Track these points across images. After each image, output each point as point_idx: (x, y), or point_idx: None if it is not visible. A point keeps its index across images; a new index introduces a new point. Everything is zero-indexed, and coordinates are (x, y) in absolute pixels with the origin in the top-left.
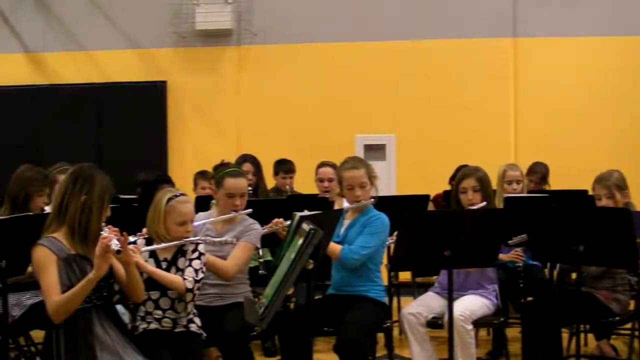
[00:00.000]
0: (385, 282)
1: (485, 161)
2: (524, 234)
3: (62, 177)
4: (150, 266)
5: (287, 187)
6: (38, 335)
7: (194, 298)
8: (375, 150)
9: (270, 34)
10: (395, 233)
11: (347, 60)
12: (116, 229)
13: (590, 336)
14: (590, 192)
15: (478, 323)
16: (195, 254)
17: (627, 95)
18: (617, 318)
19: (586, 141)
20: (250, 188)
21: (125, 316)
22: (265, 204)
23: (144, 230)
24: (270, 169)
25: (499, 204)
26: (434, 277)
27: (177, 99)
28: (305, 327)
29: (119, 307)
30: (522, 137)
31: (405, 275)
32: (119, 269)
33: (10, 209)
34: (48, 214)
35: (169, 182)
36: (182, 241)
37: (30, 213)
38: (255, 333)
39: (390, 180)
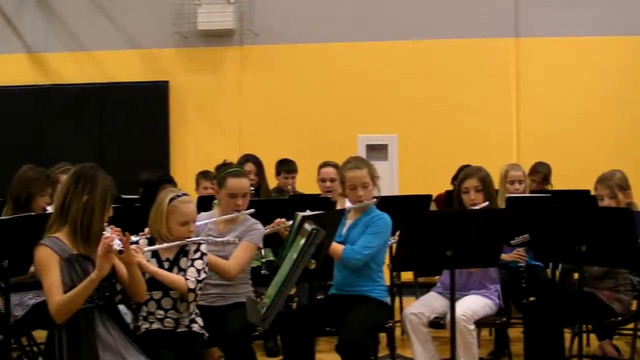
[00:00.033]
0: (387, 282)
1: (487, 161)
2: (526, 234)
3: (64, 177)
4: (153, 266)
5: (289, 187)
6: (40, 335)
7: (196, 298)
8: (378, 150)
9: (272, 34)
10: (398, 233)
11: (349, 60)
12: (118, 229)
13: (593, 336)
14: (593, 192)
15: (480, 323)
16: (198, 254)
17: (628, 95)
18: (620, 318)
19: (588, 141)
20: (252, 188)
21: (128, 316)
22: (268, 204)
23: (146, 230)
24: (272, 169)
25: (501, 204)
26: (436, 277)
27: (180, 99)
28: (308, 327)
29: (121, 307)
30: (524, 137)
31: (407, 275)
32: (121, 268)
33: (13, 209)
34: (50, 214)
35: (171, 182)
36: (184, 241)
37: (33, 213)
38: (257, 333)
39: (392, 180)
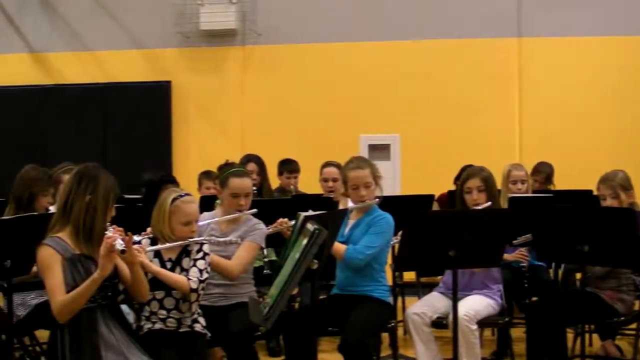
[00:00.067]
0: (389, 282)
1: (489, 161)
2: (528, 234)
3: (66, 177)
4: (155, 266)
5: (292, 187)
6: (43, 335)
7: (198, 298)
8: (380, 150)
9: (274, 34)
10: (400, 233)
11: (351, 60)
12: (121, 228)
13: (595, 336)
14: (595, 192)
15: (483, 323)
16: (200, 254)
17: (629, 95)
18: (622, 318)
19: (590, 141)
20: (254, 188)
21: (130, 316)
22: (270, 204)
23: (149, 229)
24: (274, 169)
25: (503, 203)
26: (439, 277)
27: (182, 99)
28: (310, 327)
29: (124, 307)
30: (527, 137)
31: (409, 275)
32: (124, 268)
33: (15, 208)
34: (52, 213)
35: (174, 182)
36: (186, 241)
37: (35, 213)
38: (259, 333)
39: (394, 180)
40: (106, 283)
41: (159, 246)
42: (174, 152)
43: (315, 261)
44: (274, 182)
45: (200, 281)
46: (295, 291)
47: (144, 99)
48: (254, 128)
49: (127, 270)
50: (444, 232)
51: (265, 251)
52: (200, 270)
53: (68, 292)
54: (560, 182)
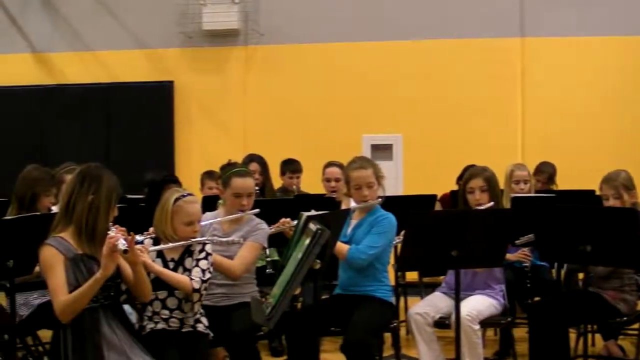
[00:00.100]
0: (392, 282)
1: (492, 161)
2: (531, 233)
3: (69, 177)
4: (158, 266)
5: (294, 187)
6: (45, 334)
7: (201, 298)
8: (382, 150)
9: (277, 34)
10: (402, 233)
11: (354, 61)
12: (123, 228)
13: (598, 336)
14: (598, 192)
15: (485, 323)
16: (203, 254)
17: (630, 95)
18: (625, 318)
19: (593, 141)
20: (257, 188)
21: (133, 316)
22: (272, 204)
23: (151, 229)
24: (277, 169)
25: (506, 203)
26: (441, 277)
27: (184, 99)
28: (312, 326)
29: (126, 307)
30: (529, 137)
31: (412, 275)
32: (126, 268)
33: (18, 208)
34: (55, 213)
35: (176, 182)
36: (189, 241)
37: (37, 213)
38: (262, 333)
39: (397, 180)
40: (109, 283)
41: (161, 246)
42: (177, 152)
43: (318, 261)
44: (277, 182)
45: (203, 281)
46: (297, 291)
47: (147, 99)
48: (256, 128)
49: (130, 270)
50: (446, 232)
51: (267, 251)
52: (203, 270)
53: (71, 292)
54: (563, 182)
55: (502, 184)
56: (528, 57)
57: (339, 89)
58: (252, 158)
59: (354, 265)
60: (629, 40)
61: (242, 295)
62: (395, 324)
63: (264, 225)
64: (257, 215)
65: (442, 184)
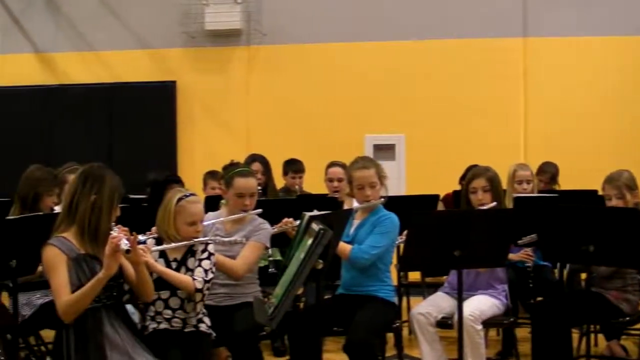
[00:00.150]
0: (394, 282)
1: (494, 161)
2: (533, 233)
3: (71, 177)
4: (160, 266)
5: (297, 186)
6: (48, 334)
7: (203, 298)
8: (385, 150)
9: (279, 34)
10: (405, 233)
11: (356, 61)
12: (126, 228)
13: (601, 336)
14: (600, 192)
15: (488, 323)
16: (205, 254)
17: (632, 95)
18: (628, 318)
19: (596, 141)
20: (259, 188)
21: (135, 316)
22: (275, 204)
23: (153, 229)
24: (279, 169)
25: (508, 203)
26: (444, 277)
27: (187, 99)
28: (315, 326)
29: (129, 307)
30: (532, 137)
31: (414, 275)
32: (129, 268)
33: (20, 208)
34: (58, 213)
35: (179, 182)
36: (191, 241)
37: (40, 213)
38: (264, 333)
39: (399, 180)
40: (111, 283)
41: (164, 246)
42: (179, 152)
43: (320, 261)
44: (279, 182)
45: (206, 281)
46: (300, 291)
47: (149, 99)
48: (259, 128)
49: (132, 270)
50: (449, 232)
51: (270, 251)
52: (206, 270)
53: (73, 292)
54: (565, 182)
55: (504, 184)
56: (530, 57)
57: (342, 89)
58: (254, 158)
59: (356, 265)
60: (631, 40)
61: (245, 295)
62: (397, 324)
63: (267, 225)
64: (259, 215)
65: (445, 184)
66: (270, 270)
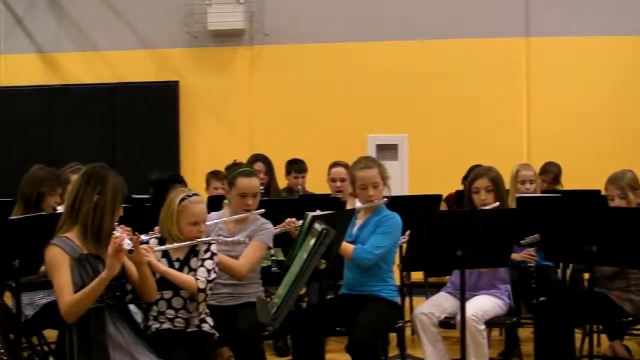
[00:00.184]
0: (397, 282)
1: (497, 161)
2: (536, 233)
3: (74, 177)
4: (163, 266)
5: (299, 186)
6: (51, 334)
7: (206, 298)
8: (387, 150)
9: (282, 34)
10: (408, 233)
11: (358, 60)
12: (129, 228)
13: (603, 337)
14: (603, 192)
15: (490, 323)
16: (208, 254)
17: (636, 95)
18: (630, 318)
19: (599, 141)
20: (262, 187)
21: (138, 316)
22: (278, 204)
23: (156, 229)
24: (282, 169)
25: (511, 203)
26: (447, 277)
27: (190, 99)
28: (318, 326)
29: (132, 307)
30: (535, 137)
31: (417, 275)
32: (131, 268)
33: (23, 208)
34: (60, 213)
35: (182, 182)
36: (194, 241)
37: (43, 213)
38: (267, 333)
39: (402, 180)
40: (114, 283)
41: (167, 246)
42: (182, 152)
43: (323, 261)
44: (282, 181)
45: (208, 281)
46: (303, 291)
47: (152, 99)
48: (261, 128)
49: (135, 270)
50: (451, 232)
51: (272, 251)
52: (208, 270)
53: (76, 292)
54: (568, 182)
55: (507, 184)
56: (533, 57)
57: (344, 89)
58: (257, 158)
59: (359, 265)
60: (638, 40)
61: (248, 295)
62: (400, 324)
63: (269, 225)
64: (262, 215)
65: (448, 184)
66: (273, 269)
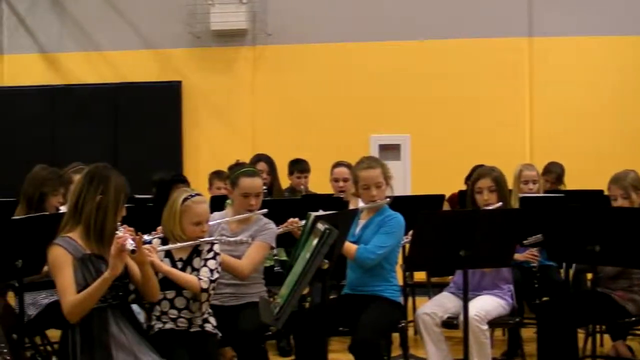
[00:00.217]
0: (400, 282)
1: (500, 161)
2: (539, 234)
3: (77, 177)
4: (166, 266)
5: (302, 186)
6: (54, 334)
7: (209, 298)
8: (390, 150)
9: (284, 34)
10: (411, 233)
11: (361, 60)
12: (131, 228)
13: (606, 337)
14: (606, 192)
15: (493, 323)
16: (211, 254)
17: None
18: (633, 318)
19: (602, 141)
20: (264, 187)
21: (141, 316)
22: (280, 204)
23: (159, 229)
24: (285, 169)
25: (514, 203)
26: (449, 277)
27: (192, 99)
28: (321, 326)
29: (135, 307)
30: (538, 137)
31: (420, 275)
32: (134, 268)
33: (26, 208)
34: (63, 213)
35: (185, 181)
36: (197, 241)
37: (46, 213)
38: (270, 333)
39: (405, 180)
40: (117, 283)
41: (169, 246)
42: (185, 152)
43: (326, 261)
44: (285, 182)
45: (211, 281)
46: (306, 291)
47: (155, 99)
48: (264, 128)
49: (138, 270)
50: (454, 232)
51: (275, 251)
52: (211, 270)
53: (79, 292)
54: (571, 183)
55: (510, 184)
56: (536, 57)
57: (347, 89)
58: (259, 158)
59: (362, 265)
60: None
61: (250, 295)
62: (403, 324)
63: (272, 225)
64: (265, 215)
65: (450, 184)
66: (275, 269)
